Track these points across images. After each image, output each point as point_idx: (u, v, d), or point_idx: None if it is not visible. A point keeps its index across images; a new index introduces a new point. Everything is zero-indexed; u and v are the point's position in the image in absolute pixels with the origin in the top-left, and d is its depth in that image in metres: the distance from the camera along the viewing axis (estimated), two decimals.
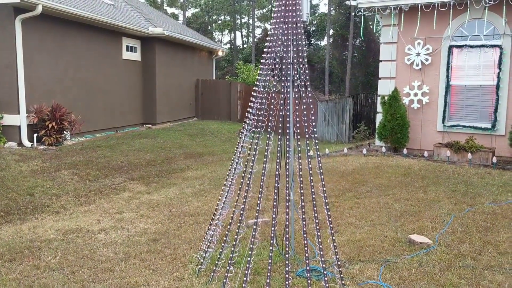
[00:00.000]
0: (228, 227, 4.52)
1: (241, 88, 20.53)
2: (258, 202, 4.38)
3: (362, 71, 42.85)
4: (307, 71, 4.85)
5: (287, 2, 4.71)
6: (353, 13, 29.36)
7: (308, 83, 4.78)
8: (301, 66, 4.82)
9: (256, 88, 4.86)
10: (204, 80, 20.74)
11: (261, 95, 4.83)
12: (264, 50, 4.98)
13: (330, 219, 4.49)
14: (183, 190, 8.59)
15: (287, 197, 4.58)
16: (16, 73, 10.92)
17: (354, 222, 6.10)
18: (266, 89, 4.82)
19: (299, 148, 4.72)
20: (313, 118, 4.55)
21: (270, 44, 4.94)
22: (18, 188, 8.00)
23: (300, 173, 4.54)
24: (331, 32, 47.78)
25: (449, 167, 9.22)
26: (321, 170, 4.60)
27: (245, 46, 53.84)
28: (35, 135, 11.33)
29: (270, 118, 4.62)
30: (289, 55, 4.91)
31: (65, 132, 11.87)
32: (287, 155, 4.58)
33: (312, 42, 56.64)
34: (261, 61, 4.92)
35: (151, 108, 17.11)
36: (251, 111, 4.96)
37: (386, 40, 11.23)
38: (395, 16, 10.89)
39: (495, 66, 10.10)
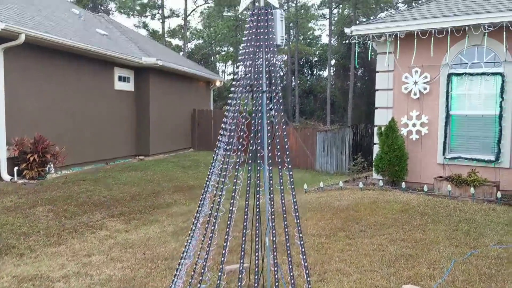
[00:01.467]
0: (190, 280, 3.93)
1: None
2: (224, 247, 3.81)
3: (365, 101, 42.53)
4: (281, 100, 4.36)
5: (259, 24, 4.27)
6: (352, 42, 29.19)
7: (282, 113, 4.31)
8: (274, 94, 4.34)
9: (227, 113, 4.38)
10: (201, 110, 20.32)
11: (230, 127, 4.34)
12: (235, 77, 4.50)
13: (306, 264, 3.89)
14: (165, 228, 8.00)
15: (257, 239, 4.03)
16: None
17: (343, 268, 5.47)
18: (235, 121, 4.34)
19: (271, 181, 4.19)
20: (288, 153, 4.09)
21: (242, 70, 4.48)
22: None
23: (272, 210, 3.97)
24: (333, 62, 47.71)
25: (450, 202, 8.60)
26: (296, 206, 4.02)
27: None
28: (15, 168, 10.84)
29: (239, 153, 4.10)
30: (260, 82, 4.43)
31: (48, 165, 11.36)
32: (258, 189, 4.01)
33: (314, 72, 56.63)
34: (231, 89, 4.46)
35: (144, 139, 16.64)
36: (221, 139, 4.46)
37: (382, 68, 10.77)
38: (390, 44, 10.46)
39: (497, 95, 9.58)
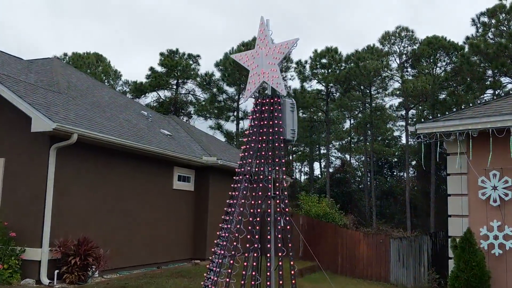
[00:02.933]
0: None
1: (304, 221, 18.94)
2: None
3: None
4: (286, 201, 3.48)
5: (263, 116, 3.50)
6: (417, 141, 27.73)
7: (287, 218, 3.44)
8: (278, 201, 3.45)
9: (227, 209, 3.56)
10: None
11: (226, 225, 3.47)
12: (236, 170, 3.75)
13: None
14: None
15: None
16: (43, 204, 10.33)
17: None
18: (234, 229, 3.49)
19: None
20: (291, 255, 3.26)
21: (242, 169, 3.67)
22: None
23: None
24: (413, 163, 45.71)
25: None
26: None
27: (321, 176, 52.79)
28: (56, 271, 10.37)
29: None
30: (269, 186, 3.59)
31: (90, 268, 10.80)
32: None
33: (394, 173, 54.57)
34: (232, 185, 3.69)
35: (201, 242, 15.87)
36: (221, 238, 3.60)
37: (454, 170, 9.47)
38: (462, 143, 9.23)
39: None
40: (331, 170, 46.08)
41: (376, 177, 48.99)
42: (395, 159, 52.61)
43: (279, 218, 3.42)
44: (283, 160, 3.62)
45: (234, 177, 3.71)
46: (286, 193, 3.57)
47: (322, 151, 57.96)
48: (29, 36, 74.77)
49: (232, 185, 3.71)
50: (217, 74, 42.13)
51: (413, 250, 17.21)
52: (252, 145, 3.65)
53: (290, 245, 3.41)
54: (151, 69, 44.33)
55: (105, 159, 12.13)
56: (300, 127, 49.38)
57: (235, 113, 41.93)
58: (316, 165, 62.41)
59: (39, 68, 17.20)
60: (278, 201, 3.48)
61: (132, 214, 13.13)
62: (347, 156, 58.65)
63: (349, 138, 56.79)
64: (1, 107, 10.87)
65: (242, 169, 3.65)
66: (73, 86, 15.56)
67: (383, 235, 18.72)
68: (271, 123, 3.54)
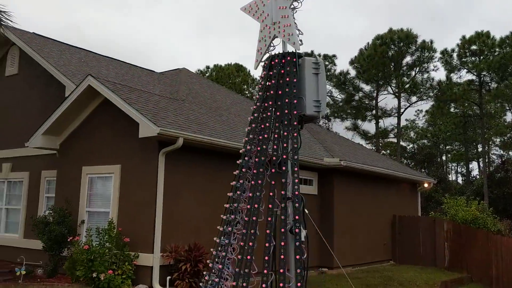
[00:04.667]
0: None
1: (448, 227, 16.73)
2: None
3: None
4: (297, 204, 2.37)
5: (269, 84, 2.45)
6: None
7: (303, 227, 2.31)
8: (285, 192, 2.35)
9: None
10: (402, 217, 17.64)
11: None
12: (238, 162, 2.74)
13: None
14: None
15: None
16: (154, 209, 10.30)
17: None
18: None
19: None
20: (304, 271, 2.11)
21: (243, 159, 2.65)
22: None
23: None
24: None
25: None
26: None
27: (479, 177, 47.48)
28: (168, 277, 10.23)
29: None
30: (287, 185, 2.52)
31: (202, 275, 10.46)
32: None
33: None
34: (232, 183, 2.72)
35: (327, 249, 14.77)
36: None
37: None
38: None
39: None
40: (490, 169, 41.22)
41: None
42: None
43: (294, 230, 2.38)
44: (295, 145, 2.57)
45: (234, 173, 2.79)
46: (298, 193, 2.52)
47: (479, 149, 52.42)
48: (180, 55, 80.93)
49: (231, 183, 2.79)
50: (352, 73, 40.49)
51: None
52: (253, 125, 2.67)
53: (306, 272, 2.36)
54: None
55: (217, 163, 11.79)
56: (452, 123, 45.00)
57: (373, 112, 39.73)
58: (475, 165, 56.71)
59: (167, 78, 17.88)
60: (282, 205, 2.45)
61: None
62: (511, 153, 52.13)
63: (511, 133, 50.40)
64: (116, 115, 11.17)
65: (243, 159, 2.69)
66: (194, 93, 15.74)
67: None
68: (280, 92, 2.49)
